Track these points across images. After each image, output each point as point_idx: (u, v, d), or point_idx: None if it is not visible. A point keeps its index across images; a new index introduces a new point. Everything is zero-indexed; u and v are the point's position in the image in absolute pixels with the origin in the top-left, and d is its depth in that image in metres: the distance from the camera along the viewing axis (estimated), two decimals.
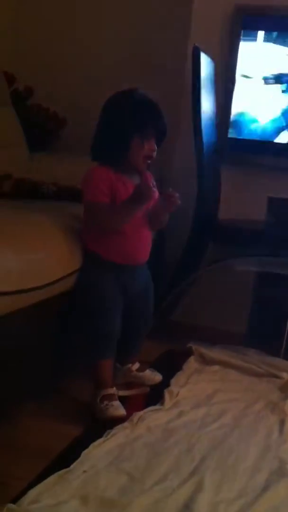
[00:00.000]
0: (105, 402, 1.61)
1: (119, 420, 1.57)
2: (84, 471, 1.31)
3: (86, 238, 1.65)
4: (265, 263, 2.17)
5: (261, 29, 2.33)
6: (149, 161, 1.64)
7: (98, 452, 1.40)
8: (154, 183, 1.58)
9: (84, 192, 1.62)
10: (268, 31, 2.33)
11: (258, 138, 2.40)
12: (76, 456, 1.37)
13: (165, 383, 1.84)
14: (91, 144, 1.66)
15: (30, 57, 2.85)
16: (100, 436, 1.48)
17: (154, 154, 1.63)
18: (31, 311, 1.43)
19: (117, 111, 1.63)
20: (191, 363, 2.03)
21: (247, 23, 2.33)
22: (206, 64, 2.11)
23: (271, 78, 2.35)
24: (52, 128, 2.74)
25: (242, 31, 2.34)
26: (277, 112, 2.37)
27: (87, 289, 1.63)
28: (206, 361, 2.07)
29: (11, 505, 1.15)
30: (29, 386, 1.63)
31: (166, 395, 1.75)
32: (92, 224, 1.64)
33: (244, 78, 2.37)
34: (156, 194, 1.57)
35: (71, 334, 1.71)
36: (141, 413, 1.62)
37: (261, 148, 2.38)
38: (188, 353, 2.11)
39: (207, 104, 2.12)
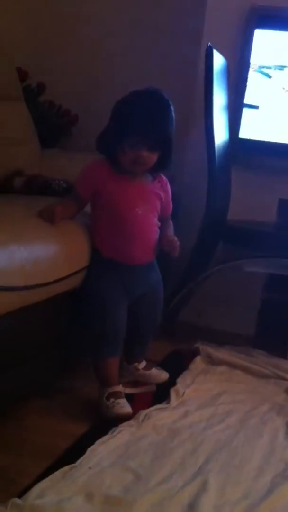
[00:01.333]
0: (111, 400, 1.62)
1: (125, 418, 1.58)
2: (89, 468, 1.32)
3: (92, 235, 1.66)
4: (274, 265, 2.16)
5: (276, 29, 2.32)
6: (141, 166, 1.61)
7: (104, 450, 1.40)
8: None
9: None
10: (282, 31, 2.32)
11: (270, 140, 2.39)
12: (82, 452, 1.38)
13: (171, 382, 1.84)
14: (96, 140, 1.67)
15: (43, 54, 2.85)
16: (106, 433, 1.48)
17: (142, 161, 1.59)
18: (39, 308, 1.44)
19: (114, 111, 1.63)
20: (198, 363, 2.03)
21: (261, 23, 2.32)
22: (219, 63, 2.10)
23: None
24: (64, 125, 2.75)
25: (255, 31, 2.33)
26: None
27: (89, 286, 1.63)
28: (213, 362, 2.06)
29: (16, 500, 1.16)
30: (36, 384, 1.63)
31: (172, 394, 1.75)
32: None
33: (258, 78, 2.36)
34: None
35: (78, 331, 1.71)
36: (147, 411, 1.62)
37: (273, 150, 2.37)
38: (195, 353, 2.10)
39: (219, 104, 2.12)
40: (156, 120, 1.59)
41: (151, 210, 1.68)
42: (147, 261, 1.71)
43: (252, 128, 2.38)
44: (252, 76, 2.36)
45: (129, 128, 1.57)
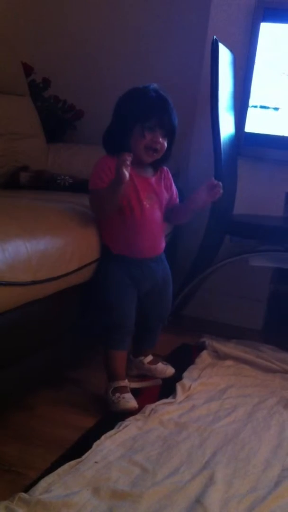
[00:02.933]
0: (117, 395, 1.62)
1: (131, 412, 1.58)
2: (96, 462, 1.32)
3: (101, 231, 1.66)
4: (281, 259, 2.16)
5: (282, 22, 2.31)
6: (154, 153, 1.62)
7: (110, 444, 1.40)
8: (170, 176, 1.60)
9: (89, 180, 1.64)
10: None
11: (276, 133, 2.38)
12: (88, 447, 1.38)
13: (177, 377, 1.84)
14: (102, 139, 1.67)
15: (48, 49, 2.85)
16: (112, 428, 1.48)
17: (159, 146, 1.61)
18: (49, 300, 1.44)
19: (123, 103, 1.64)
20: (204, 357, 2.03)
21: (268, 16, 2.31)
22: (225, 56, 2.09)
23: None
24: (69, 120, 2.75)
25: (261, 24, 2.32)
26: None
27: (99, 281, 1.64)
28: (219, 356, 2.06)
29: (23, 495, 1.16)
30: (46, 375, 1.64)
31: (178, 388, 1.75)
32: (93, 212, 1.65)
33: (264, 71, 2.35)
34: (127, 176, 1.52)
35: (87, 325, 1.72)
36: (153, 405, 1.62)
37: (279, 143, 2.36)
38: (201, 347, 2.10)
39: (225, 98, 2.11)
40: (168, 104, 1.62)
41: (157, 203, 1.69)
42: (155, 254, 1.72)
43: (260, 122, 2.37)
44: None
45: (148, 110, 1.59)
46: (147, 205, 1.65)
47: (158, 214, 1.70)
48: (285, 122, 2.36)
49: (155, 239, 1.71)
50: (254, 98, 2.36)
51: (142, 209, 1.64)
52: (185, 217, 1.77)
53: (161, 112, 1.60)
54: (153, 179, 1.69)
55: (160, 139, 1.61)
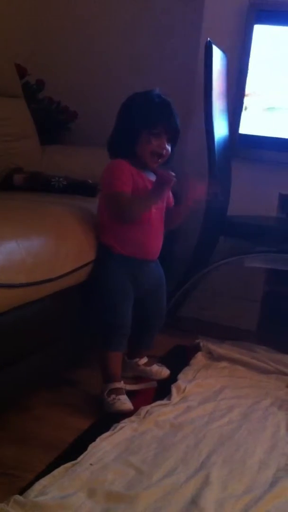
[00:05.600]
0: (113, 396, 1.62)
1: (127, 414, 1.58)
2: (91, 464, 1.32)
3: (100, 232, 1.66)
4: (275, 260, 2.16)
5: (275, 24, 2.32)
6: (159, 159, 1.65)
7: (106, 445, 1.40)
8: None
9: (106, 182, 1.64)
10: (282, 26, 2.31)
11: (270, 134, 2.38)
12: (84, 449, 1.37)
13: (172, 378, 1.84)
14: (107, 143, 1.68)
15: (42, 51, 2.85)
16: (107, 429, 1.48)
17: (165, 152, 1.64)
18: (46, 301, 1.44)
19: (129, 108, 1.66)
20: (199, 359, 2.03)
21: (261, 18, 2.32)
22: (218, 58, 2.09)
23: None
24: (63, 121, 2.75)
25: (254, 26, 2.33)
26: None
27: (98, 282, 1.64)
28: (214, 357, 2.06)
29: (18, 497, 1.16)
30: (44, 376, 1.64)
31: (174, 390, 1.74)
32: (112, 214, 1.64)
33: (257, 72, 2.35)
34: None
35: (85, 326, 1.71)
36: (148, 407, 1.62)
37: (273, 144, 2.37)
38: (196, 349, 2.10)
39: (219, 99, 2.11)
40: (172, 109, 1.65)
41: (160, 205, 1.71)
42: (157, 255, 1.75)
43: (251, 122, 2.38)
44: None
45: (154, 117, 1.61)
46: (154, 208, 1.68)
47: (162, 217, 1.73)
48: (279, 123, 2.37)
49: (159, 241, 1.74)
50: (248, 99, 2.37)
51: (150, 212, 1.66)
52: (178, 218, 1.78)
53: (167, 118, 1.63)
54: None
55: (166, 145, 1.63)
